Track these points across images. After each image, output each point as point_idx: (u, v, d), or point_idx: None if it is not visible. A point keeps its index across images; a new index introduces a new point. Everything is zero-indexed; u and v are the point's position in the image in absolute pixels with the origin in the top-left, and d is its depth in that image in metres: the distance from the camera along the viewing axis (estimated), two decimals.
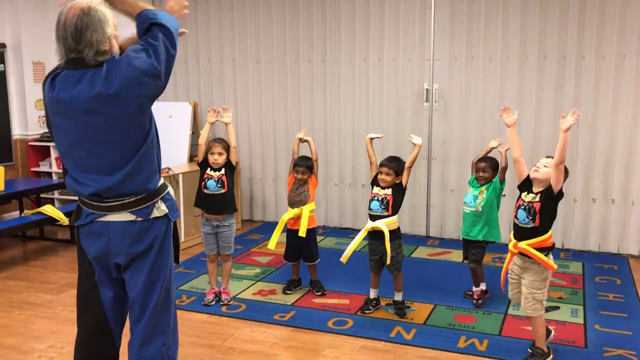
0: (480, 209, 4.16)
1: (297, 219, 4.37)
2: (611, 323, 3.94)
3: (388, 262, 3.96)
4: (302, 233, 4.29)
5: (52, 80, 2.30)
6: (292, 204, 4.38)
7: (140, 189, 2.35)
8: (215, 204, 4.19)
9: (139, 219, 2.36)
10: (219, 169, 4.20)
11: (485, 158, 4.25)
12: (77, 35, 2.21)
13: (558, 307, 4.20)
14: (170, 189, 2.54)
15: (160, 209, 2.43)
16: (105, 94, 2.21)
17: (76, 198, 2.46)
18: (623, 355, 3.48)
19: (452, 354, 3.52)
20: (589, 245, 5.58)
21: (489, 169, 4.18)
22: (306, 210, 4.34)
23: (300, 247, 4.43)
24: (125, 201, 2.34)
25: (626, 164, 5.37)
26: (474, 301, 4.25)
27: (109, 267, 2.45)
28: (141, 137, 2.32)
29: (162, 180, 2.49)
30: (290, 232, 4.44)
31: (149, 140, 2.35)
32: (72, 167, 2.36)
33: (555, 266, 3.34)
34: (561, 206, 5.53)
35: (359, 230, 6.17)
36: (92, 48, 2.23)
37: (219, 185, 4.17)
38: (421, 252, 5.57)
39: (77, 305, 2.58)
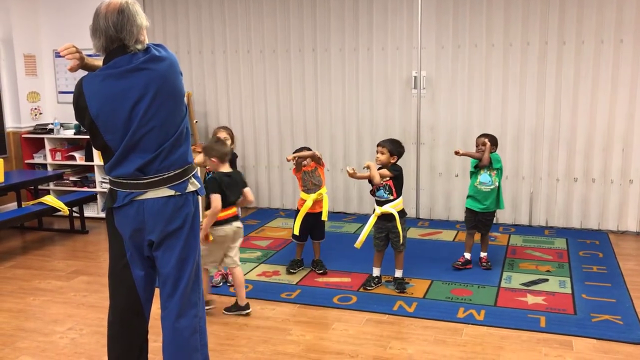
0: (497, 184, 4.61)
1: (314, 202, 4.57)
2: (596, 292, 4.23)
3: (401, 241, 4.18)
4: (324, 217, 4.55)
5: (102, 72, 2.46)
6: (308, 189, 4.58)
7: (180, 161, 2.54)
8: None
9: (177, 193, 2.53)
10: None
11: (485, 134, 4.74)
12: (120, 25, 2.41)
13: (547, 280, 4.48)
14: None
15: (195, 183, 2.62)
16: (164, 72, 2.45)
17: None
18: (609, 320, 3.76)
19: (453, 323, 3.76)
20: (571, 222, 5.88)
21: (489, 142, 4.63)
22: (324, 193, 4.59)
23: (312, 227, 4.63)
24: (166, 175, 2.51)
25: (605, 145, 5.66)
26: (484, 264, 4.72)
27: (142, 245, 2.61)
28: (182, 111, 2.55)
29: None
30: (305, 215, 4.61)
31: (187, 117, 2.58)
32: (124, 148, 2.47)
33: None
34: (545, 186, 5.85)
35: (351, 214, 6.46)
36: (133, 36, 2.44)
37: None
38: (413, 233, 5.80)
39: (109, 285, 2.72)
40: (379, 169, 4.25)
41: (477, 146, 4.68)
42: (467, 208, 4.76)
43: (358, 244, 4.31)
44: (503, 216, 6.05)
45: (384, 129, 6.25)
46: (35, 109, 6.90)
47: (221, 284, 4.46)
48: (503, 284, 4.40)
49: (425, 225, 6.07)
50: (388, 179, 4.21)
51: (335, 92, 6.42)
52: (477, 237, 4.79)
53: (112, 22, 2.42)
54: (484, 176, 4.64)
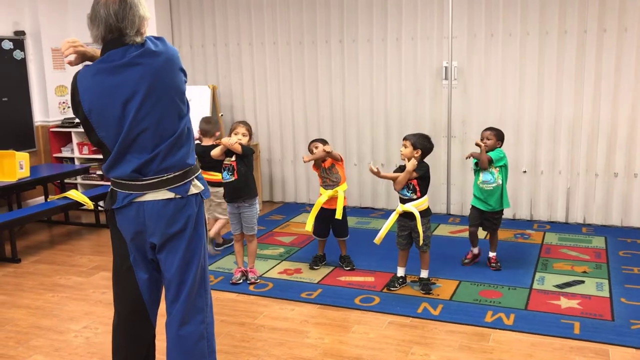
0: (500, 182, 4.38)
1: (329, 199, 4.44)
2: (637, 296, 3.96)
3: (420, 242, 4.00)
4: (338, 215, 4.39)
5: (95, 64, 2.35)
6: (327, 186, 4.46)
7: (180, 163, 2.41)
8: (230, 192, 4.26)
9: (177, 196, 2.40)
10: (230, 155, 4.23)
11: (491, 128, 4.54)
12: (121, 14, 2.28)
13: (583, 281, 4.23)
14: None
15: (197, 185, 2.49)
16: (158, 67, 2.31)
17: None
18: None
19: (480, 328, 3.57)
20: (611, 219, 5.58)
21: (492, 137, 4.43)
22: (340, 192, 4.43)
23: (332, 224, 4.50)
24: (165, 177, 2.38)
25: None
26: (493, 264, 4.49)
27: (144, 248, 2.50)
28: (181, 110, 2.40)
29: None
30: (321, 210, 4.50)
31: (187, 117, 2.43)
32: (119, 147, 2.37)
33: None
34: (583, 181, 5.56)
35: (378, 210, 6.27)
36: (134, 27, 2.31)
37: (230, 174, 4.22)
38: (443, 230, 5.60)
39: (113, 288, 2.63)
40: (399, 169, 4.08)
41: (481, 139, 4.47)
42: (472, 206, 4.55)
43: (377, 239, 4.14)
44: (538, 213, 5.79)
45: (413, 122, 6.04)
46: (63, 102, 6.91)
47: (241, 281, 4.35)
48: (535, 286, 4.17)
49: (456, 222, 5.85)
50: (413, 177, 4.02)
51: (362, 84, 6.24)
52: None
53: (114, 11, 2.30)
54: (485, 174, 4.42)
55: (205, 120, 5.00)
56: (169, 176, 2.39)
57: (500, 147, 4.44)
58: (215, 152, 4.22)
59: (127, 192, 2.41)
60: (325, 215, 4.47)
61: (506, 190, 4.46)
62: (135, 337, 2.60)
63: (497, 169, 4.39)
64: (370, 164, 4.19)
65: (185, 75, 2.45)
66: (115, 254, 2.59)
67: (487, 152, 4.40)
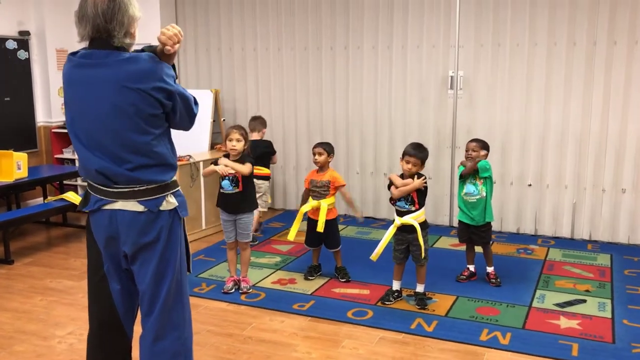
0: (484, 194, 4.26)
1: (317, 209, 4.34)
2: None
3: (422, 255, 3.89)
4: (320, 228, 4.28)
5: (76, 58, 2.30)
6: (314, 196, 4.39)
7: (152, 178, 2.32)
8: (231, 204, 4.14)
9: (146, 209, 2.32)
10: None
11: (476, 139, 4.42)
12: (109, 13, 2.20)
13: (584, 301, 4.09)
14: (180, 189, 2.48)
15: (170, 202, 2.38)
16: (126, 82, 2.22)
17: None
18: None
19: (473, 347, 3.44)
20: (617, 237, 5.43)
21: (478, 149, 4.28)
22: (324, 204, 4.32)
23: (321, 234, 4.40)
24: (136, 189, 2.30)
25: None
26: (493, 280, 4.36)
27: (118, 257, 2.42)
28: (147, 133, 2.28)
29: (175, 177, 2.45)
30: (311, 220, 4.40)
31: (163, 140, 2.35)
32: (87, 144, 2.32)
33: None
34: (589, 196, 5.42)
35: (380, 220, 6.16)
36: (122, 28, 2.23)
37: (234, 185, 4.11)
38: (444, 243, 5.48)
39: (88, 296, 2.56)
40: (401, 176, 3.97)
41: (466, 151, 4.33)
42: (459, 220, 4.42)
43: (374, 256, 4.03)
44: (542, 228, 5.65)
45: (417, 131, 5.93)
46: None
47: (233, 290, 4.25)
48: (535, 304, 4.04)
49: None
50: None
51: (367, 92, 6.14)
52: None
53: (102, 10, 2.22)
54: (468, 186, 4.30)
55: (252, 118, 5.66)
56: (140, 188, 2.31)
57: (485, 158, 4.30)
58: (206, 172, 4.22)
59: (98, 196, 2.34)
60: (313, 226, 4.38)
61: (490, 204, 4.31)
62: (109, 348, 2.52)
63: (482, 180, 4.25)
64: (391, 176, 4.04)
65: (170, 96, 2.28)
66: (89, 263, 2.52)
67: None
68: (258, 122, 5.55)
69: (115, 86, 2.21)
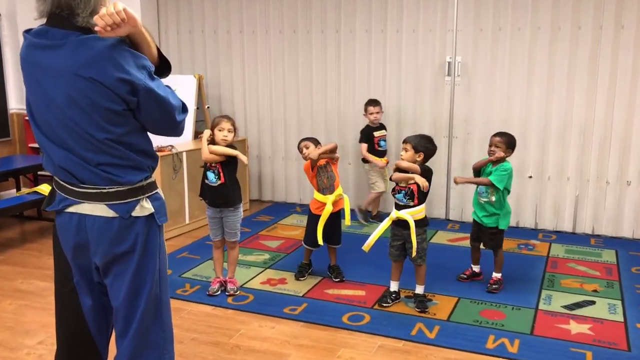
0: (493, 200, 3.90)
1: (323, 205, 4.09)
2: None
3: (413, 254, 3.62)
4: (347, 222, 4.14)
5: (30, 36, 2.00)
6: (323, 189, 4.10)
7: (121, 179, 2.00)
8: (216, 197, 3.85)
9: (116, 215, 2.00)
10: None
11: (502, 133, 3.99)
12: None
13: (594, 302, 3.85)
14: (159, 191, 2.16)
15: (145, 207, 2.06)
16: (79, 69, 1.90)
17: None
18: None
19: (480, 356, 3.19)
20: (622, 231, 5.20)
21: (502, 145, 3.89)
22: (346, 196, 4.17)
23: (329, 230, 4.11)
24: (105, 190, 1.99)
25: None
26: (492, 286, 4.01)
27: (89, 268, 2.11)
28: (105, 127, 1.96)
29: (153, 178, 2.13)
30: (315, 217, 4.12)
31: (132, 137, 2.01)
32: (48, 134, 2.03)
33: None
34: (592, 189, 5.18)
35: (375, 214, 5.87)
36: (88, 5, 1.91)
37: (217, 177, 3.82)
38: (441, 237, 5.22)
39: (55, 311, 2.25)
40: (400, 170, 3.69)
41: (490, 146, 3.94)
42: (473, 218, 4.14)
43: (366, 246, 3.76)
44: (543, 221, 5.40)
45: (412, 120, 5.65)
46: None
47: (218, 292, 3.96)
48: (542, 306, 3.79)
49: (455, 229, 5.46)
50: (412, 182, 3.62)
51: (359, 78, 5.83)
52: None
53: None
54: (480, 186, 4.01)
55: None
56: (110, 190, 1.99)
57: (509, 155, 3.92)
58: (208, 156, 3.76)
59: (63, 195, 2.04)
60: (317, 222, 4.08)
61: (505, 213, 3.93)
62: None
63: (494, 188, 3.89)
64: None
65: (134, 91, 1.92)
66: (57, 272, 2.22)
67: (494, 163, 3.92)
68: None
69: (70, 73, 1.90)
